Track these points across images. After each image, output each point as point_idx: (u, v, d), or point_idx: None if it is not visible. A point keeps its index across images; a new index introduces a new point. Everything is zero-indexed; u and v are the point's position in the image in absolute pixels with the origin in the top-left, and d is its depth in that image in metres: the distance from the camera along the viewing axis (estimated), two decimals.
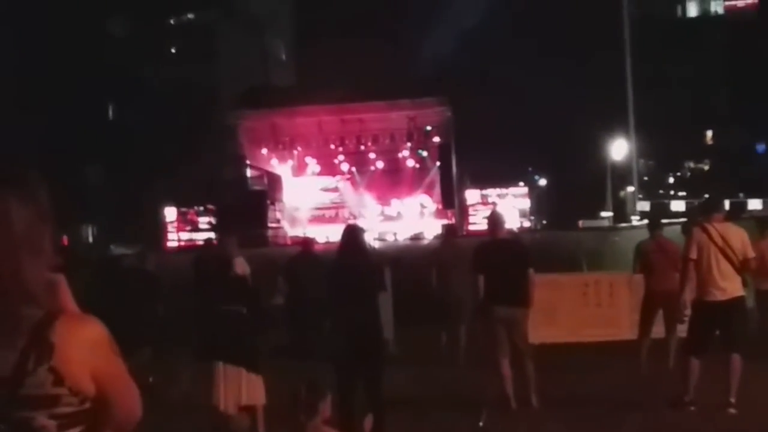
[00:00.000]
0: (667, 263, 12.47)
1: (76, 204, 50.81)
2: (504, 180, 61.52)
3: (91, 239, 67.74)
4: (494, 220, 11.71)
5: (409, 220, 55.50)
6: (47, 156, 47.59)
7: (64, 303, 2.58)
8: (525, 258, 11.27)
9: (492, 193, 58.90)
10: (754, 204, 75.57)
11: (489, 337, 11.02)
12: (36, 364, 2.35)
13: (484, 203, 56.44)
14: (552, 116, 73.00)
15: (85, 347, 2.43)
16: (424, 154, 55.89)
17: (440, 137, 53.88)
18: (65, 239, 43.85)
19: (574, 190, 72.38)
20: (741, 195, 75.57)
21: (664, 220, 15.14)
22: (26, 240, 2.43)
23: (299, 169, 57.66)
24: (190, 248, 44.62)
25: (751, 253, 10.24)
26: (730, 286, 10.15)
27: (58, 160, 51.84)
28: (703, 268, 10.14)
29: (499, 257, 10.95)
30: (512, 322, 10.93)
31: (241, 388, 9.59)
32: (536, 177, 79.57)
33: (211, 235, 43.50)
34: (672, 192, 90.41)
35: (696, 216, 13.36)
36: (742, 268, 10.20)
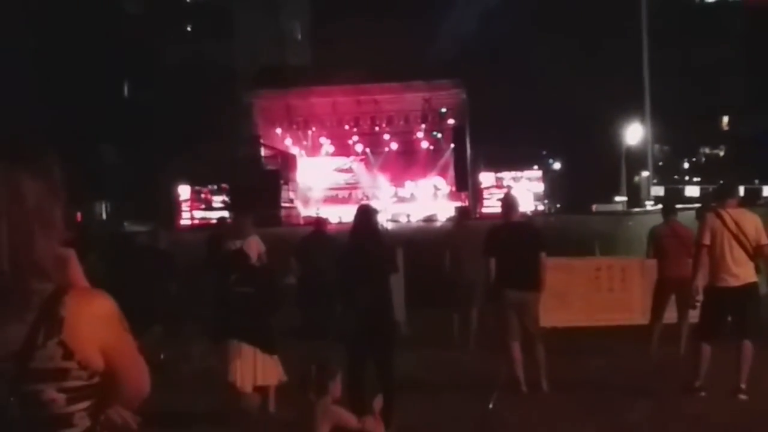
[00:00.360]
0: (680, 248, 12.44)
1: (90, 181, 50.90)
2: (518, 163, 61.43)
3: (104, 216, 67.88)
4: (508, 203, 11.70)
5: (422, 201, 55.52)
6: (62, 133, 47.66)
7: (73, 278, 2.60)
8: (538, 241, 11.26)
9: (507, 176, 58.89)
10: None
11: (500, 321, 11.03)
12: (46, 338, 2.36)
13: (499, 186, 56.43)
14: (567, 100, 72.77)
15: (94, 322, 2.44)
16: (439, 135, 55.88)
17: (455, 119, 53.85)
18: (79, 216, 43.96)
19: (589, 175, 72.19)
20: (756, 181, 75.34)
21: (678, 206, 15.08)
22: (38, 214, 2.44)
23: (313, 149, 57.71)
24: (203, 226, 44.76)
25: (765, 240, 10.19)
26: (743, 272, 10.13)
27: (74, 137, 51.91)
28: (716, 253, 10.12)
29: (512, 241, 10.94)
30: (523, 306, 10.93)
31: (256, 369, 9.65)
32: (550, 161, 79.41)
33: (225, 213, 43.56)
34: (687, 177, 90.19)
35: (710, 201, 13.31)
36: (755, 254, 10.17)
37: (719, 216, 10.18)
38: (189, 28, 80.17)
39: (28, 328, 2.36)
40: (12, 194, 2.41)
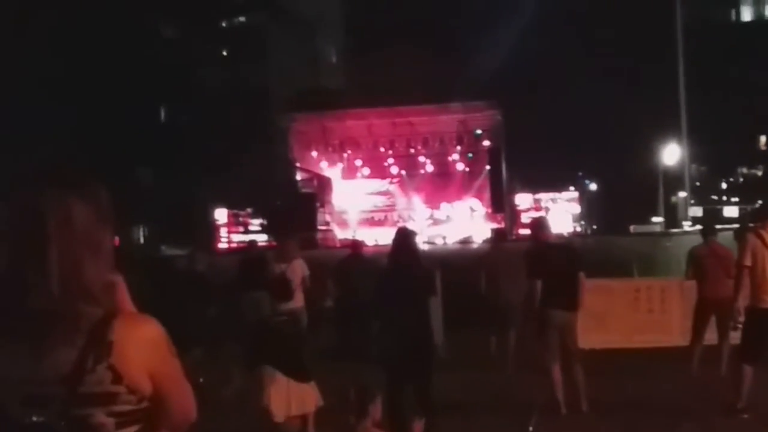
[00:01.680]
0: (720, 269, 12.35)
1: (128, 205, 51.20)
2: (554, 184, 61.37)
3: (142, 240, 68.29)
4: (540, 224, 11.75)
5: (458, 223, 55.52)
6: (100, 157, 48.07)
7: (122, 303, 2.61)
8: (578, 262, 11.29)
9: (544, 197, 58.84)
10: None
11: (541, 341, 10.98)
12: (95, 362, 2.38)
13: (537, 208, 56.43)
14: (603, 120, 72.58)
15: (143, 346, 2.46)
16: (474, 157, 55.86)
17: (490, 141, 53.85)
18: (117, 240, 44.26)
19: (625, 195, 71.88)
20: None
21: (717, 226, 14.96)
22: (87, 240, 2.47)
23: (349, 171, 57.85)
24: (241, 250, 44.89)
25: None
26: None
27: (111, 161, 52.33)
28: (758, 274, 10.04)
29: (554, 262, 10.93)
30: (566, 327, 10.91)
31: (290, 398, 9.63)
32: (587, 182, 79.13)
33: (263, 237, 43.71)
34: (725, 197, 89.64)
35: (748, 222, 13.19)
36: None
37: (760, 236, 10.10)
38: (225, 52, 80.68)
39: (78, 352, 2.38)
40: (62, 219, 2.44)
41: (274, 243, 38.02)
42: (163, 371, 2.52)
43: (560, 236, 14.98)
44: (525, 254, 11.61)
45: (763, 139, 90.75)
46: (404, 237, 9.39)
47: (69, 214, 2.45)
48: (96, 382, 2.38)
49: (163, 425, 2.63)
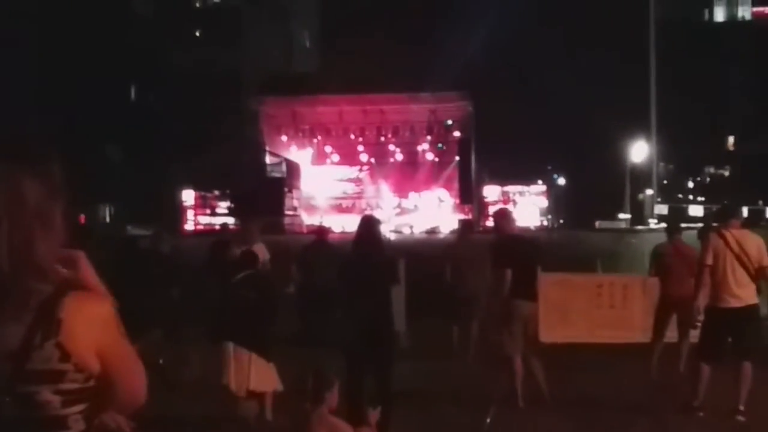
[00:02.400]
0: (683, 268, 12.39)
1: (94, 183, 50.84)
2: (523, 177, 61.52)
3: (108, 219, 67.86)
4: (504, 216, 11.80)
5: (425, 213, 55.56)
6: (68, 135, 47.67)
7: (86, 279, 2.57)
8: (539, 254, 11.49)
9: (512, 190, 59.04)
10: None
11: (507, 332, 11.00)
12: (43, 339, 2.35)
13: (505, 201, 56.56)
14: (573, 116, 72.82)
15: (92, 325, 2.43)
16: (444, 148, 55.91)
17: (460, 132, 53.93)
18: (82, 218, 43.93)
19: (593, 191, 72.16)
20: (760, 202, 75.28)
21: (682, 225, 15.04)
22: (38, 215, 2.43)
23: (318, 157, 57.75)
24: (207, 232, 44.71)
25: (767, 261, 10.17)
26: (744, 293, 10.10)
27: (79, 140, 51.93)
28: (719, 274, 10.09)
29: (520, 253, 11.02)
30: (530, 317, 11.02)
31: (249, 374, 9.63)
32: (555, 176, 79.37)
33: (229, 220, 43.53)
34: (691, 197, 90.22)
35: (711, 221, 13.25)
36: (757, 275, 10.14)
37: (722, 236, 10.15)
38: (198, 33, 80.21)
39: (26, 329, 2.35)
40: (13, 195, 2.40)
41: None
42: (112, 350, 2.49)
43: (523, 229, 15.03)
44: (491, 246, 11.64)
45: (731, 139, 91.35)
46: (368, 225, 9.39)
47: (20, 190, 2.41)
48: (43, 360, 2.35)
49: (110, 405, 2.61)
